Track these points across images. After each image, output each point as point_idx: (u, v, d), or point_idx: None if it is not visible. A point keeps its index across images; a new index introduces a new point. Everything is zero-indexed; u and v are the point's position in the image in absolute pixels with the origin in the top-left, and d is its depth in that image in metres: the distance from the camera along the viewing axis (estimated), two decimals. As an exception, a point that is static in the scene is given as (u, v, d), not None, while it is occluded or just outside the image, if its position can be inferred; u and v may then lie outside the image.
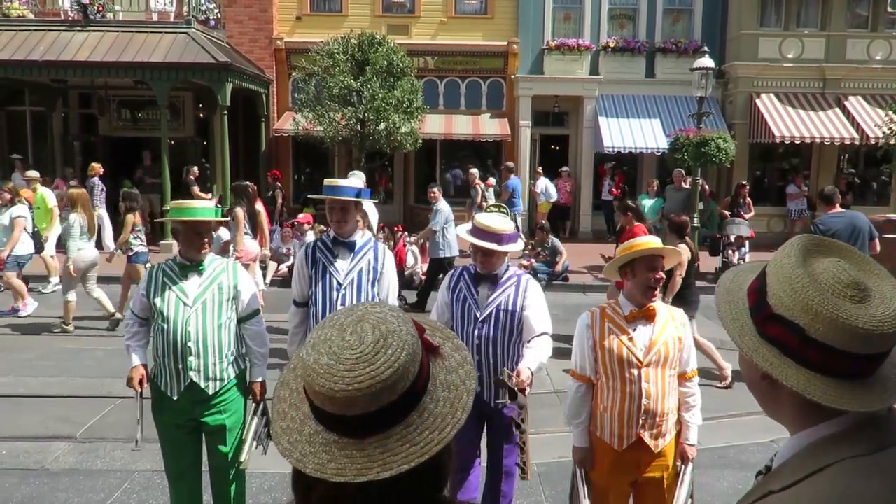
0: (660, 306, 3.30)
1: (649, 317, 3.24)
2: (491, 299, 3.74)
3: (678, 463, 3.37)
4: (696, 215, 12.80)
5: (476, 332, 3.71)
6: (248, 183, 9.23)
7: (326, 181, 4.04)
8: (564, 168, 17.25)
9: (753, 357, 1.16)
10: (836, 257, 1.17)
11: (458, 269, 3.96)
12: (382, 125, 13.64)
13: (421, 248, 12.27)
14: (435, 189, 10.53)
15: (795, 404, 1.17)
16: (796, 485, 1.11)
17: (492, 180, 15.37)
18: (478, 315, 3.73)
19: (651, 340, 3.21)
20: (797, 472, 1.13)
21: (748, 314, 1.21)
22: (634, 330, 3.23)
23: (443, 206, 10.37)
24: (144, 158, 16.32)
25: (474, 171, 14.77)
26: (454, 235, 10.35)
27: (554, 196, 16.09)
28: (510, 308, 3.71)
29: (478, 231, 3.70)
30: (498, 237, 3.67)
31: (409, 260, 12.11)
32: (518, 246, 3.84)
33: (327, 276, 3.91)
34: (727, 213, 13.61)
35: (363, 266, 3.95)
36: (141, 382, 3.64)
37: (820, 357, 1.11)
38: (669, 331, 3.25)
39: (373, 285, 3.96)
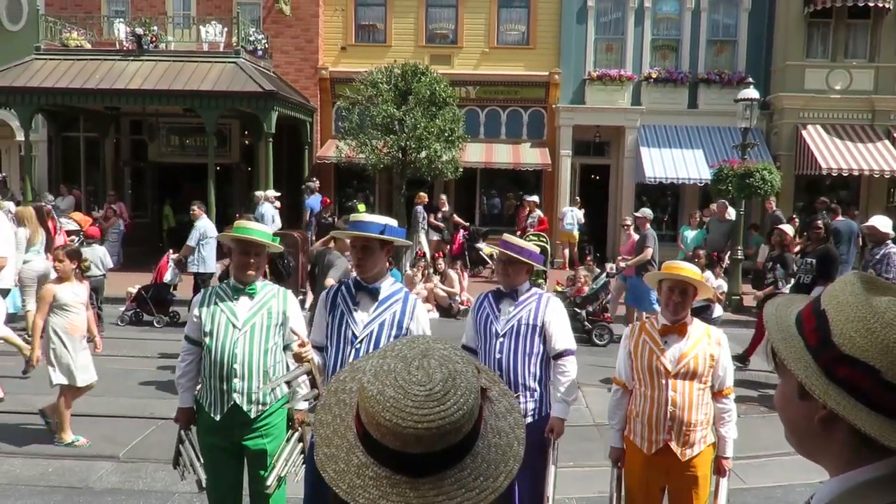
0: (696, 324, 3.60)
1: (681, 332, 3.54)
2: (512, 314, 3.84)
3: (715, 476, 3.62)
4: (740, 248, 12.59)
5: (497, 347, 3.80)
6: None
7: (352, 216, 3.68)
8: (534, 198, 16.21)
9: (826, 400, 1.09)
10: (892, 296, 1.12)
11: (485, 293, 4.08)
12: (424, 153, 13.78)
13: (466, 271, 12.25)
14: (195, 206, 10.67)
15: (849, 447, 1.12)
16: None
17: (275, 196, 15.34)
18: (498, 330, 3.82)
19: (681, 353, 3.50)
20: None
21: (809, 353, 1.15)
22: (666, 342, 3.54)
23: (201, 223, 10.34)
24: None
25: (259, 193, 14.81)
26: (211, 252, 10.39)
27: (569, 226, 15.94)
28: (531, 322, 3.80)
29: (504, 244, 3.92)
30: (520, 250, 3.86)
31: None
32: (539, 265, 4.02)
33: (343, 326, 3.39)
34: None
35: (386, 318, 3.38)
36: (187, 426, 3.74)
37: (892, 400, 1.07)
38: (702, 347, 3.53)
39: None
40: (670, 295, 3.54)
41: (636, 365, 3.60)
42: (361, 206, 11.50)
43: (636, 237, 10.86)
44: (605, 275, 11.11)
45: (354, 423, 1.09)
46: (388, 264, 3.60)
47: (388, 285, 3.46)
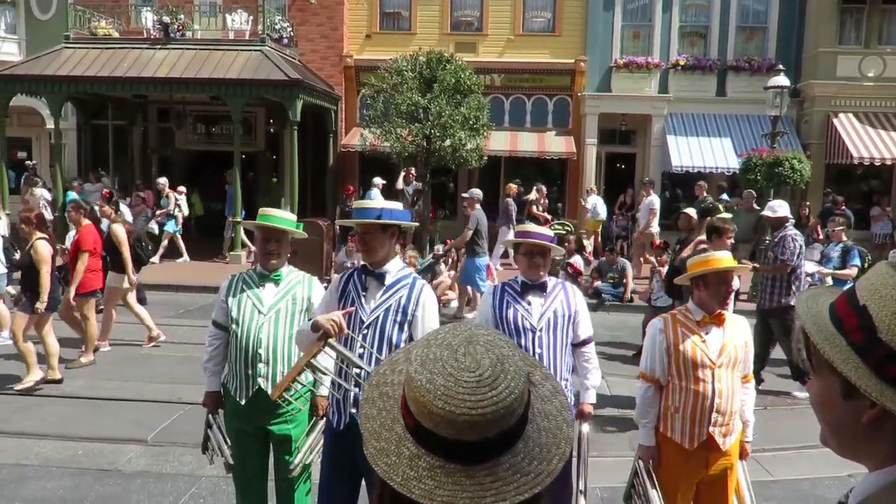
0: (726, 313, 3.55)
1: (720, 322, 3.50)
2: (546, 307, 3.77)
3: (740, 460, 3.63)
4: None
5: (536, 342, 3.71)
6: None
7: (355, 203, 3.67)
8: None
9: (883, 401, 1.05)
10: None
11: (499, 285, 3.94)
12: (448, 142, 13.71)
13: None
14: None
15: (893, 444, 1.10)
16: None
17: (182, 188, 15.37)
18: (534, 325, 3.73)
19: (723, 343, 3.46)
20: None
21: (854, 353, 1.10)
22: (707, 333, 3.48)
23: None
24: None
25: (162, 179, 15.08)
26: None
27: (603, 215, 15.58)
28: (566, 313, 3.79)
29: (524, 234, 3.84)
30: (541, 235, 3.81)
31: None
32: (558, 250, 3.96)
33: (353, 312, 3.36)
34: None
35: (391, 304, 3.29)
36: (214, 409, 3.80)
37: None
38: (737, 334, 3.51)
39: (400, 329, 3.27)
40: (720, 288, 3.46)
41: (677, 359, 3.47)
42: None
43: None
44: (431, 256, 11.74)
45: (401, 414, 1.09)
46: (405, 251, 3.61)
47: (395, 270, 3.37)
